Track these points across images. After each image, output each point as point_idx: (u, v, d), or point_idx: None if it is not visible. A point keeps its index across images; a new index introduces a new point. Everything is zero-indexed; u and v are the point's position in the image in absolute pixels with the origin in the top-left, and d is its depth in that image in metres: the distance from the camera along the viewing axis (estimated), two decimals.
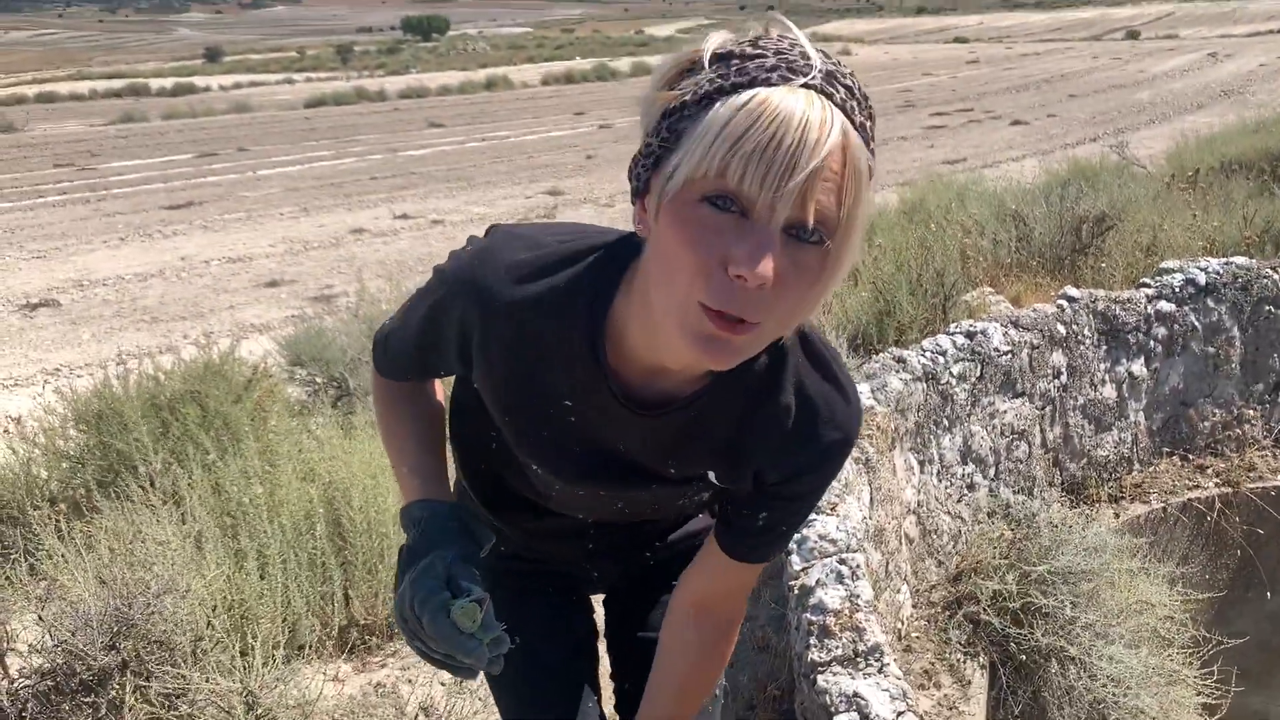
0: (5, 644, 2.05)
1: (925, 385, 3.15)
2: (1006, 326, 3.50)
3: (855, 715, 1.65)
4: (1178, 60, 34.38)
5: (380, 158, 17.88)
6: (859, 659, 1.79)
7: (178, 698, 2.02)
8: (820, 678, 1.76)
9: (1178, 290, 3.92)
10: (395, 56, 58.72)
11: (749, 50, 0.90)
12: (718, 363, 0.94)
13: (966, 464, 3.40)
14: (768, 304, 0.89)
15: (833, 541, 2.07)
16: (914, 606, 2.97)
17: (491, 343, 1.13)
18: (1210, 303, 3.94)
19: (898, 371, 3.06)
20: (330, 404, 4.48)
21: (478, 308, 1.11)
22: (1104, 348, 3.80)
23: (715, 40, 0.92)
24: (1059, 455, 3.76)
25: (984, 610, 2.92)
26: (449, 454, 1.38)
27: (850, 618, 1.87)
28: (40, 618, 2.05)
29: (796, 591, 2.01)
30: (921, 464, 3.15)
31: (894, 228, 5.78)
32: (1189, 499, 3.81)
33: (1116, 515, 3.74)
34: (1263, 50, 36.55)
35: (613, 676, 1.57)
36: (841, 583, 1.96)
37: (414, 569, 1.11)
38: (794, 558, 2.07)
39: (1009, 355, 3.45)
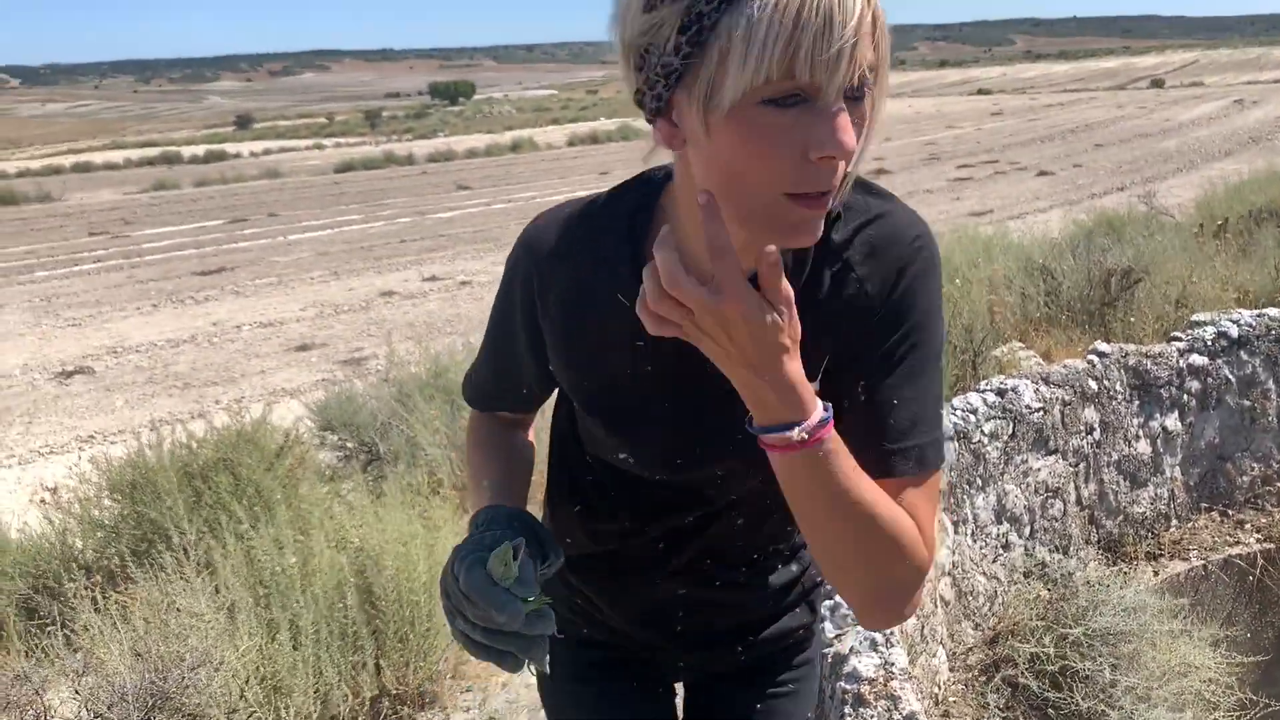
0: (46, 717, 2.05)
1: (957, 444, 3.12)
2: (1037, 383, 3.47)
3: None
4: (1203, 108, 34.39)
5: (409, 221, 18.12)
6: None
7: None
8: None
9: (1210, 343, 3.88)
10: (423, 121, 59.78)
11: None
12: (809, 239, 0.94)
13: (1001, 523, 3.36)
14: (841, 166, 0.91)
15: None
16: (951, 670, 2.92)
17: (551, 296, 1.15)
18: (1244, 355, 3.90)
19: None
20: (361, 469, 4.50)
21: (534, 262, 1.17)
22: (1137, 403, 3.76)
23: None
24: (1094, 512, 3.71)
25: (1022, 674, 2.86)
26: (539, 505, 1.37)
27: (885, 686, 1.85)
28: (77, 691, 2.06)
29: (830, 659, 1.99)
30: (955, 524, 3.12)
31: None
32: (1230, 555, 3.74)
33: (1155, 573, 3.68)
34: None
35: None
36: (875, 650, 1.93)
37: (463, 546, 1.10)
38: (827, 624, 2.05)
39: (1041, 412, 3.42)
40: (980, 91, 63.94)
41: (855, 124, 0.89)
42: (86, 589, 2.63)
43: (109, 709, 2.01)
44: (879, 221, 1.07)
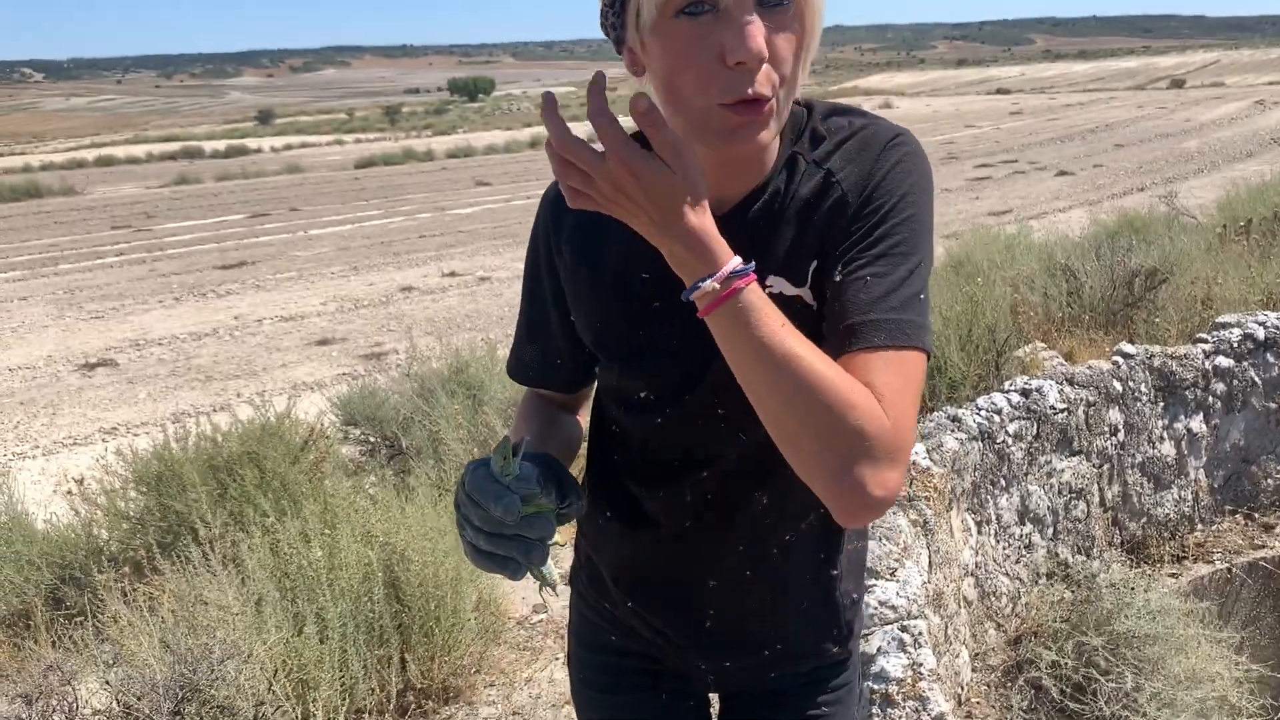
0: (76, 708, 2.08)
1: (981, 444, 3.12)
2: (1062, 384, 3.46)
3: None
4: (1225, 108, 34.12)
5: (428, 216, 18.17)
6: None
7: None
8: None
9: (1236, 345, 3.86)
10: (442, 117, 59.94)
11: None
12: (752, 144, 1.01)
13: (1024, 524, 3.35)
14: (771, 74, 0.97)
15: (893, 608, 2.05)
16: (973, 671, 2.92)
17: (563, 241, 1.23)
18: (1270, 358, 3.88)
19: (953, 431, 3.03)
20: (384, 463, 4.52)
21: (550, 214, 1.25)
22: (1161, 404, 3.75)
23: None
24: (1118, 514, 3.70)
25: (1045, 676, 2.86)
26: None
27: (914, 686, 1.85)
28: (108, 682, 2.08)
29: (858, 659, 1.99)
30: (979, 524, 3.11)
31: (943, 283, 5.76)
32: (1254, 559, 3.72)
33: (1175, 576, 3.67)
34: None
35: None
36: (904, 650, 1.93)
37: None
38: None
39: (1065, 413, 3.41)
40: (999, 91, 63.63)
41: (780, 33, 0.97)
42: (115, 581, 2.66)
43: (139, 700, 2.03)
44: (860, 133, 1.11)
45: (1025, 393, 3.37)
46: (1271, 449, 3.94)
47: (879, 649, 1.95)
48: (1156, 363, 3.73)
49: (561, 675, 3.10)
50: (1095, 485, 3.57)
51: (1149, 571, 3.58)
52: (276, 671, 2.28)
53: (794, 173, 1.11)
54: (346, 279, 12.48)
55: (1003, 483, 3.25)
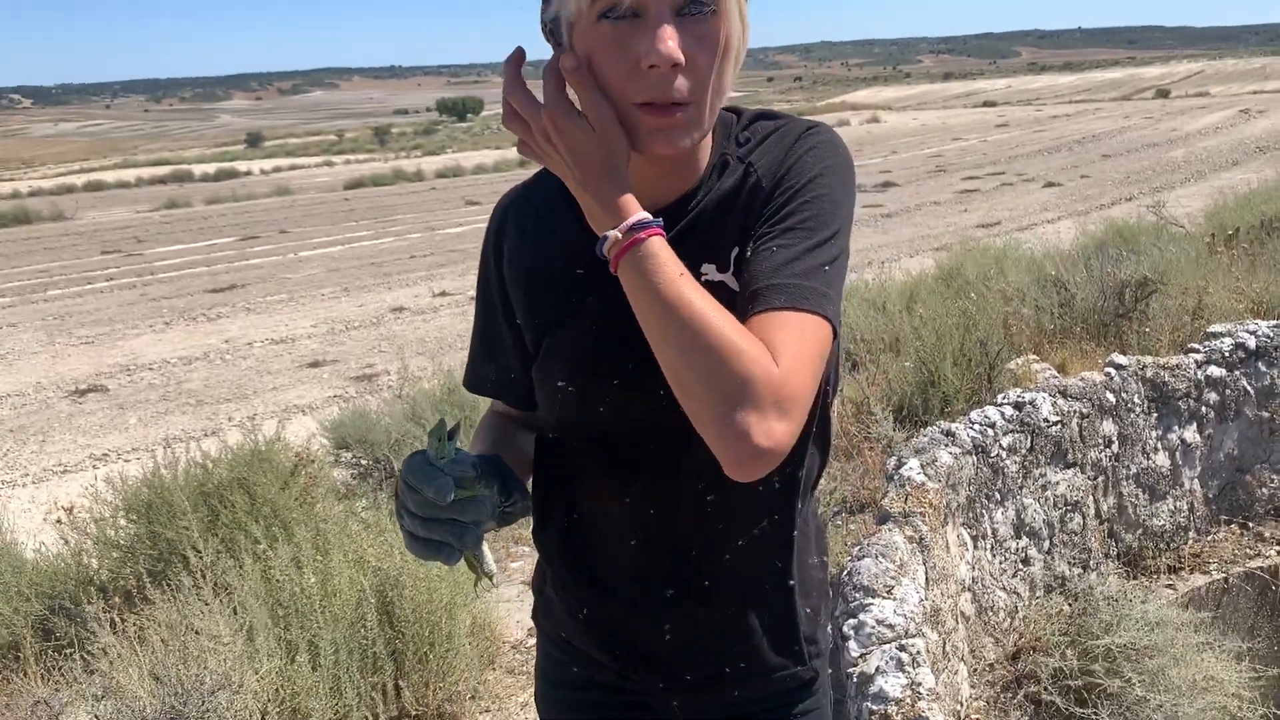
0: None
1: (975, 458, 3.11)
2: (1055, 396, 3.46)
3: None
4: (1210, 118, 34.35)
5: (419, 236, 18.18)
6: None
7: None
8: None
9: (1227, 355, 3.86)
10: (431, 137, 60.05)
11: None
12: (670, 147, 1.06)
13: (1020, 537, 3.34)
14: (688, 81, 1.02)
15: (890, 626, 2.03)
16: (972, 687, 2.90)
17: (506, 239, 1.28)
18: (1262, 366, 3.88)
19: (947, 445, 3.02)
20: (376, 486, 4.49)
21: (498, 215, 1.32)
22: (1155, 415, 3.74)
23: None
24: (1114, 526, 3.69)
25: (1045, 689, 2.84)
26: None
27: (913, 706, 1.83)
28: (96, 716, 2.05)
29: (855, 679, 1.97)
30: (974, 539, 3.10)
31: (933, 295, 5.77)
32: (1251, 568, 3.71)
33: (1171, 586, 3.65)
34: None
35: None
36: (902, 670, 1.92)
37: None
38: (851, 644, 2.03)
39: (1059, 425, 3.40)
40: (986, 104, 63.97)
41: (699, 42, 1.02)
42: (104, 611, 2.63)
43: None
44: (780, 129, 1.19)
45: (1018, 406, 3.36)
46: (1265, 458, 3.94)
47: (877, 669, 1.93)
48: (1149, 373, 3.73)
49: None
50: (1090, 497, 3.56)
51: (1146, 583, 3.57)
52: (269, 701, 2.26)
53: (723, 172, 1.17)
54: (337, 300, 12.47)
55: (998, 496, 3.23)
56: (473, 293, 1.41)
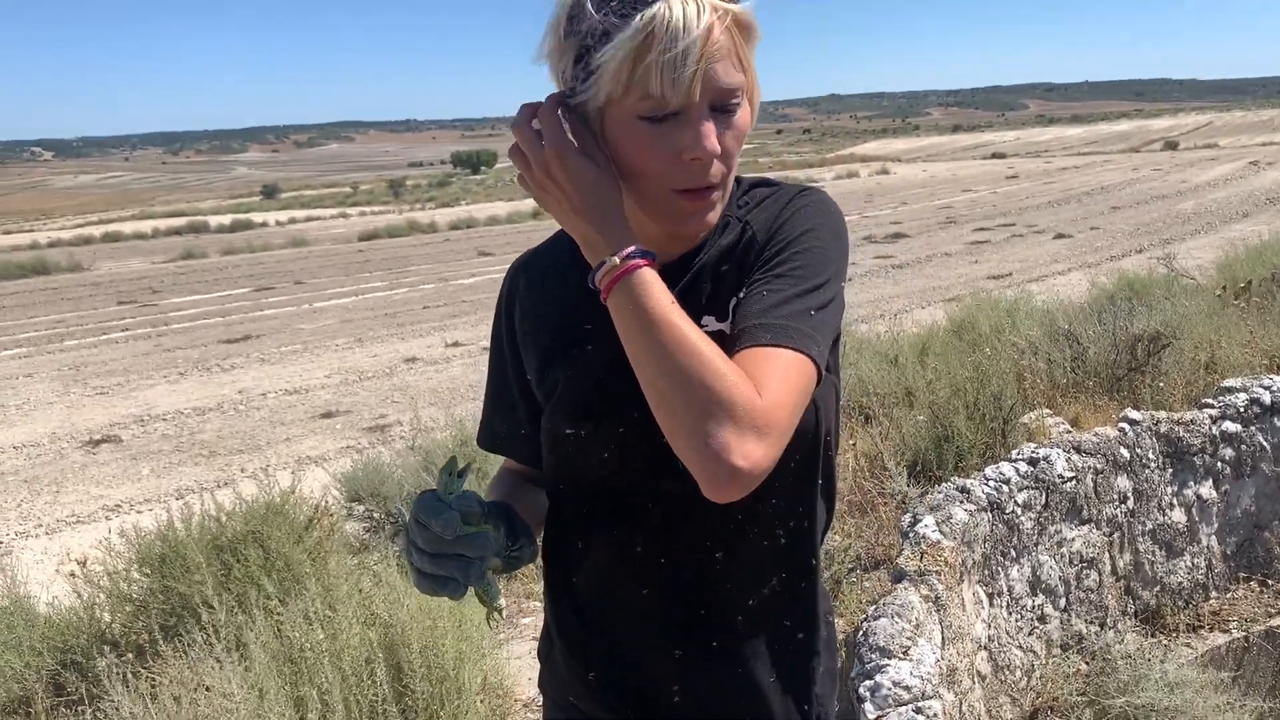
0: None
1: (990, 515, 3.09)
2: (1069, 452, 3.45)
3: None
4: (1219, 170, 34.47)
5: (432, 287, 18.29)
6: None
7: None
8: None
9: (1242, 410, 3.85)
10: (445, 189, 60.62)
11: None
12: (699, 227, 1.17)
13: (1036, 595, 3.31)
14: (722, 166, 1.13)
15: (907, 688, 2.01)
16: None
17: (517, 300, 1.35)
18: (1278, 422, 3.86)
19: (962, 502, 3.01)
20: (388, 539, 4.49)
21: (510, 277, 1.39)
22: (1170, 471, 3.72)
23: None
24: (1131, 583, 3.65)
25: None
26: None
27: None
28: None
29: None
30: (990, 597, 3.08)
31: (947, 349, 5.77)
32: (1271, 627, 3.66)
33: (1190, 645, 3.61)
34: None
35: None
36: None
37: None
38: (867, 705, 2.02)
39: (1073, 481, 3.39)
40: (995, 155, 64.34)
41: (729, 131, 1.12)
42: (116, 666, 2.62)
43: None
44: (776, 192, 1.27)
45: (1033, 461, 3.35)
46: None
47: None
48: (1163, 429, 3.72)
49: None
50: (1106, 554, 3.54)
51: (1165, 641, 3.53)
52: None
53: (724, 232, 1.25)
54: (351, 351, 12.52)
55: (1013, 553, 3.21)
56: (484, 343, 1.46)
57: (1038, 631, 3.29)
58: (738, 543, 1.25)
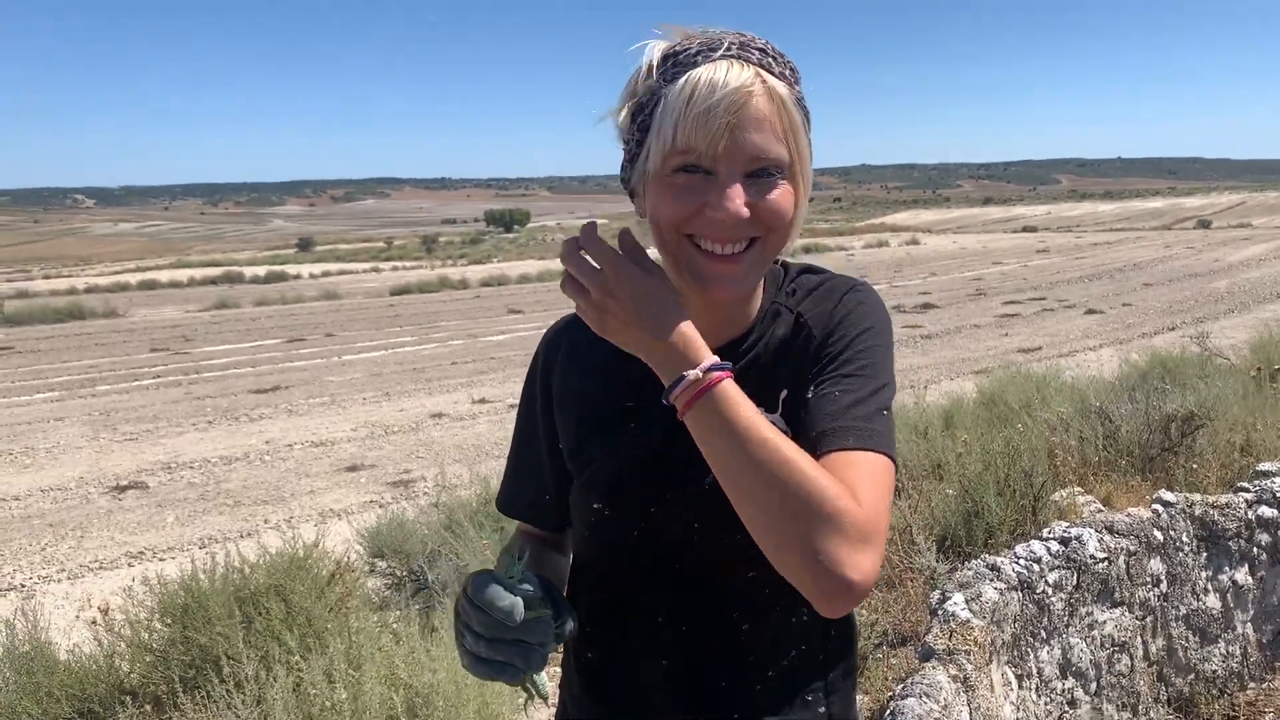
0: None
1: (1021, 594, 3.04)
2: (1101, 532, 3.39)
3: None
4: (1253, 249, 34.32)
5: (461, 343, 18.40)
6: None
7: None
8: None
9: (1279, 495, 3.78)
10: (477, 247, 61.29)
11: (679, 47, 1.12)
12: (724, 293, 1.14)
13: (1066, 678, 3.24)
14: (750, 231, 1.11)
15: None
16: None
17: (556, 370, 1.34)
18: None
19: (992, 580, 2.97)
20: (409, 597, 4.47)
21: (546, 345, 1.38)
22: (1204, 555, 3.66)
23: (657, 50, 1.13)
24: (1163, 669, 3.57)
25: None
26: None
27: None
28: None
29: None
30: (1019, 678, 3.01)
31: (977, 423, 5.72)
32: None
33: None
34: None
35: None
36: None
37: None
38: None
39: (1105, 563, 3.33)
40: (1025, 229, 64.41)
41: (766, 201, 1.10)
42: (134, 717, 2.61)
43: None
44: (826, 283, 1.28)
45: (1064, 541, 3.30)
46: None
47: None
48: (1197, 511, 3.66)
49: None
50: (1139, 638, 3.46)
51: None
52: None
53: (776, 320, 1.26)
54: (378, 405, 12.59)
55: (1043, 634, 3.15)
56: (512, 400, 1.46)
57: (1067, 716, 3.21)
58: (763, 616, 1.25)
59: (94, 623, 3.81)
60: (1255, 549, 3.73)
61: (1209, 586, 3.66)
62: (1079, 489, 4.49)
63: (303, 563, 3.71)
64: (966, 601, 2.80)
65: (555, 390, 1.34)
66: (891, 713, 2.21)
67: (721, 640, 1.25)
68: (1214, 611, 3.66)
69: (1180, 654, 3.60)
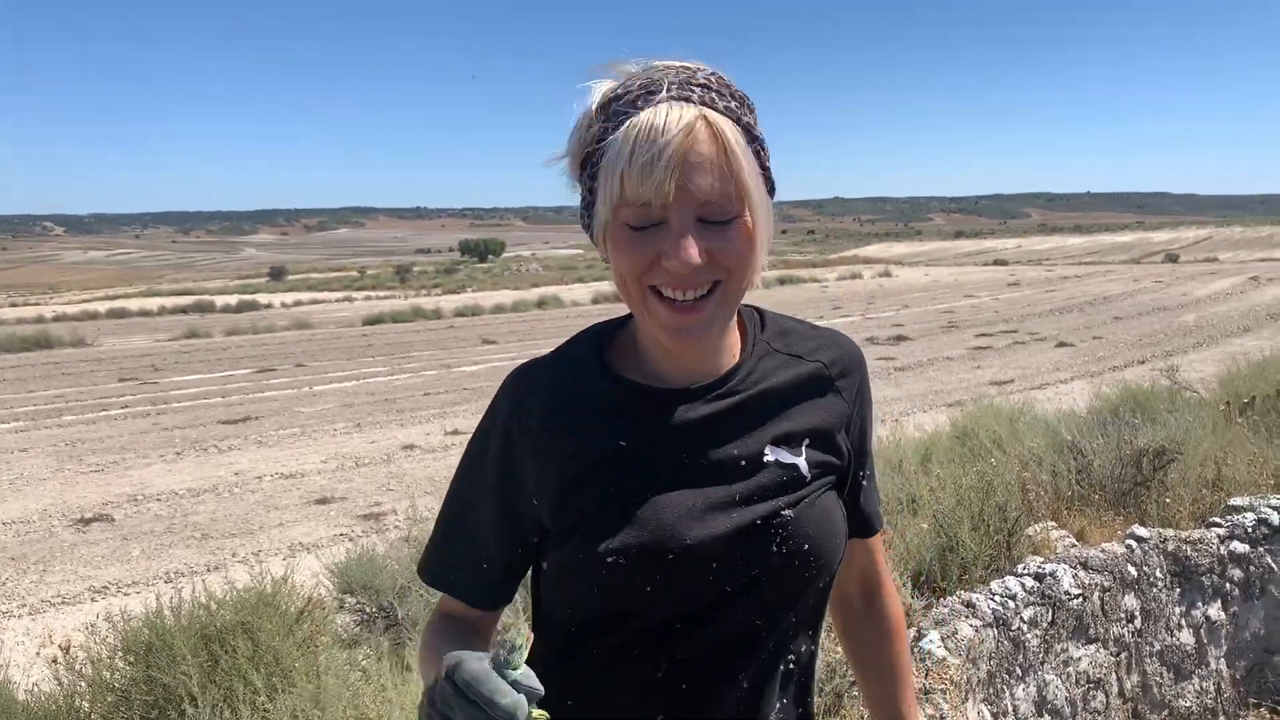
0: None
1: (996, 631, 3.03)
2: (1076, 568, 3.39)
3: None
4: (1220, 284, 34.81)
5: (434, 374, 18.30)
6: None
7: None
8: None
9: (1250, 530, 3.80)
10: (452, 276, 61.17)
11: (621, 91, 1.11)
12: (690, 343, 1.13)
13: (1042, 715, 3.22)
14: (710, 276, 1.10)
15: None
16: None
17: (531, 416, 1.21)
18: None
19: (967, 617, 2.95)
20: (380, 633, 4.39)
21: (512, 394, 1.25)
22: (1178, 590, 3.66)
23: (597, 94, 1.12)
24: (1138, 705, 3.56)
25: None
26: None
27: None
28: None
29: None
30: (995, 716, 2.99)
31: (950, 457, 5.73)
32: None
33: None
34: None
35: None
36: None
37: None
38: None
39: (1080, 599, 3.33)
40: (997, 262, 65.07)
41: (721, 242, 1.09)
42: None
43: None
44: (832, 336, 1.32)
45: (1039, 577, 3.29)
46: None
47: None
48: (1170, 546, 3.67)
49: None
50: (1114, 675, 3.46)
51: None
52: None
53: (766, 360, 1.25)
54: (349, 436, 12.47)
55: (1019, 672, 3.14)
56: None
57: None
58: (762, 666, 1.21)
59: (54, 661, 3.72)
60: (1228, 584, 3.75)
61: (1183, 622, 3.66)
62: (1053, 523, 4.50)
63: (271, 599, 3.63)
64: (942, 639, 2.78)
65: (533, 437, 1.21)
66: None
67: (719, 694, 1.19)
68: (1188, 647, 3.66)
69: (1155, 690, 3.59)
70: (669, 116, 1.06)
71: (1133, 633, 3.52)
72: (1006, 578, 3.28)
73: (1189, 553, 3.67)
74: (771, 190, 1.18)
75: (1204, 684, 3.68)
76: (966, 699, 2.76)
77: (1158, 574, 3.60)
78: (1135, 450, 4.94)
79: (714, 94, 1.10)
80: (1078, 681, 3.33)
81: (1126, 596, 3.50)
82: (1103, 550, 3.55)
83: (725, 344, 1.23)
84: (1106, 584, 3.43)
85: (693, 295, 1.10)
